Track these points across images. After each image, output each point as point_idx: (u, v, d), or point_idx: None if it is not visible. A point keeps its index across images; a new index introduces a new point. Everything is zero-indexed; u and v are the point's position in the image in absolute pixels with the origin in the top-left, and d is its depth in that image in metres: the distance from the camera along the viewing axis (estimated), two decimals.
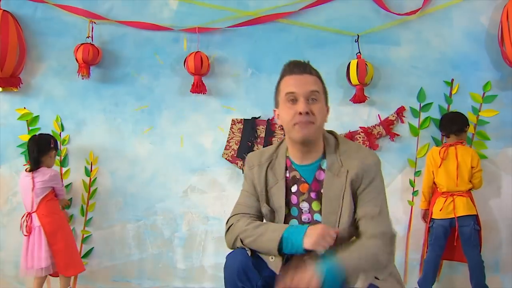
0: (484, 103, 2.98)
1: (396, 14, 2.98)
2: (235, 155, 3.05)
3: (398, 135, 3.01)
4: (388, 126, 3.00)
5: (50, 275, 2.82)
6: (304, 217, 1.59)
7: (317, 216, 1.56)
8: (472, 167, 2.74)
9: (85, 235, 3.09)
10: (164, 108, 3.11)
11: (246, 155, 2.98)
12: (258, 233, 1.50)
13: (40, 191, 2.74)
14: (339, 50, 3.02)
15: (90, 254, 3.10)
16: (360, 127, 3.02)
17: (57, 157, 3.09)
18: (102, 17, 3.08)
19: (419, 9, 2.98)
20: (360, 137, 3.00)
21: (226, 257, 1.57)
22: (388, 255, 1.48)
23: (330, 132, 1.62)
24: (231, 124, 3.08)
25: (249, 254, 1.53)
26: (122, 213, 3.11)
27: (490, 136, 2.97)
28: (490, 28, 2.98)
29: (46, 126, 3.10)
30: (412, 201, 3.01)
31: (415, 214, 2.99)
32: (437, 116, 2.97)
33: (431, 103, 3.01)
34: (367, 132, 3.00)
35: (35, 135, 2.88)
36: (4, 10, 2.97)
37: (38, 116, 3.11)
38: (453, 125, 2.80)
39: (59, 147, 2.96)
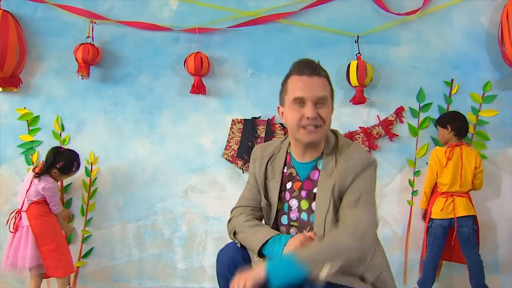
0: (484, 103, 2.98)
1: (396, 14, 2.98)
2: (235, 155, 3.05)
3: (397, 135, 3.02)
4: (387, 126, 3.01)
5: (43, 277, 2.81)
6: (292, 215, 1.61)
7: (304, 215, 1.58)
8: (475, 168, 2.75)
9: (85, 235, 3.09)
10: (164, 108, 3.11)
11: (246, 155, 3.03)
12: (250, 232, 1.57)
13: (33, 194, 2.74)
14: (339, 50, 3.02)
15: (90, 254, 3.10)
16: (360, 127, 3.02)
17: None
18: (102, 17, 3.08)
19: (419, 9, 2.98)
20: (359, 137, 3.00)
21: (218, 252, 1.68)
22: (356, 244, 1.39)
23: (333, 131, 1.62)
24: (231, 124, 3.08)
25: (239, 246, 1.62)
26: (122, 213, 3.11)
27: (490, 136, 2.97)
28: (490, 28, 2.98)
29: (46, 126, 3.10)
30: (412, 201, 3.01)
31: (415, 214, 2.99)
32: (437, 116, 2.97)
33: (430, 103, 3.01)
34: (367, 132, 3.00)
35: (65, 149, 2.86)
36: (4, 10, 2.97)
37: (38, 116, 3.11)
38: (465, 124, 2.79)
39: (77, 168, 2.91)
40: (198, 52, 2.97)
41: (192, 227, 3.10)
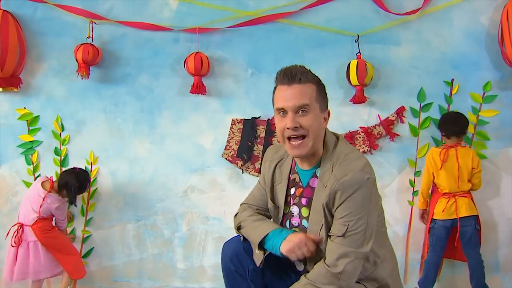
0: (484, 103, 2.98)
1: (396, 14, 2.98)
2: (235, 155, 3.05)
3: (398, 135, 3.01)
4: (388, 126, 3.00)
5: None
6: (294, 221, 1.61)
7: (304, 222, 1.58)
8: (473, 168, 2.74)
9: (85, 235, 3.09)
10: (164, 108, 3.11)
11: (247, 155, 3.04)
12: (253, 225, 1.60)
13: (44, 212, 2.73)
14: (339, 50, 3.02)
15: (90, 254, 3.10)
16: (360, 127, 3.02)
17: (57, 157, 3.10)
18: (102, 17, 3.08)
19: (419, 9, 2.98)
20: (360, 137, 3.00)
21: (223, 245, 1.72)
22: (332, 282, 1.40)
23: (335, 134, 1.59)
24: (231, 124, 3.08)
25: (242, 240, 1.65)
26: (122, 213, 3.11)
27: (490, 136, 2.97)
28: (490, 28, 2.98)
29: (46, 126, 3.10)
30: (412, 201, 3.01)
31: (415, 214, 2.99)
32: (437, 116, 2.97)
33: (431, 103, 3.00)
34: (367, 132, 3.00)
35: (79, 170, 2.89)
36: (4, 10, 2.97)
37: (38, 116, 3.11)
38: (455, 126, 2.79)
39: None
40: (198, 52, 2.97)
41: (192, 227, 3.09)
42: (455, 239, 2.73)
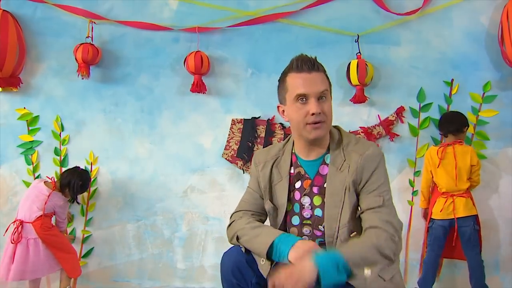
0: (484, 103, 2.98)
1: (396, 14, 2.98)
2: (235, 155, 3.05)
3: (397, 135, 3.01)
4: (388, 126, 3.01)
5: None
6: (305, 213, 1.59)
7: (318, 211, 1.57)
8: (472, 166, 2.74)
9: (85, 235, 3.09)
10: (164, 108, 3.11)
11: (247, 155, 3.03)
12: (254, 234, 1.52)
13: (49, 209, 2.73)
14: (339, 50, 3.02)
15: (90, 254, 3.10)
16: (360, 127, 3.02)
17: (57, 157, 3.10)
18: (102, 17, 3.08)
19: (419, 9, 2.98)
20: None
21: (223, 255, 1.64)
22: (392, 246, 1.42)
23: (335, 127, 1.63)
24: (231, 124, 3.08)
25: (243, 251, 1.57)
26: (122, 213, 3.11)
27: (490, 136, 2.97)
28: (490, 28, 2.98)
29: (46, 126, 3.10)
30: (412, 201, 3.01)
31: (415, 214, 2.99)
32: (437, 116, 2.97)
33: (431, 103, 3.01)
34: (367, 132, 3.00)
35: (81, 169, 2.90)
36: (4, 10, 2.96)
37: (38, 116, 3.11)
38: (450, 125, 2.80)
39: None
40: (198, 51, 2.97)
41: (192, 227, 3.09)
42: (454, 239, 2.73)
